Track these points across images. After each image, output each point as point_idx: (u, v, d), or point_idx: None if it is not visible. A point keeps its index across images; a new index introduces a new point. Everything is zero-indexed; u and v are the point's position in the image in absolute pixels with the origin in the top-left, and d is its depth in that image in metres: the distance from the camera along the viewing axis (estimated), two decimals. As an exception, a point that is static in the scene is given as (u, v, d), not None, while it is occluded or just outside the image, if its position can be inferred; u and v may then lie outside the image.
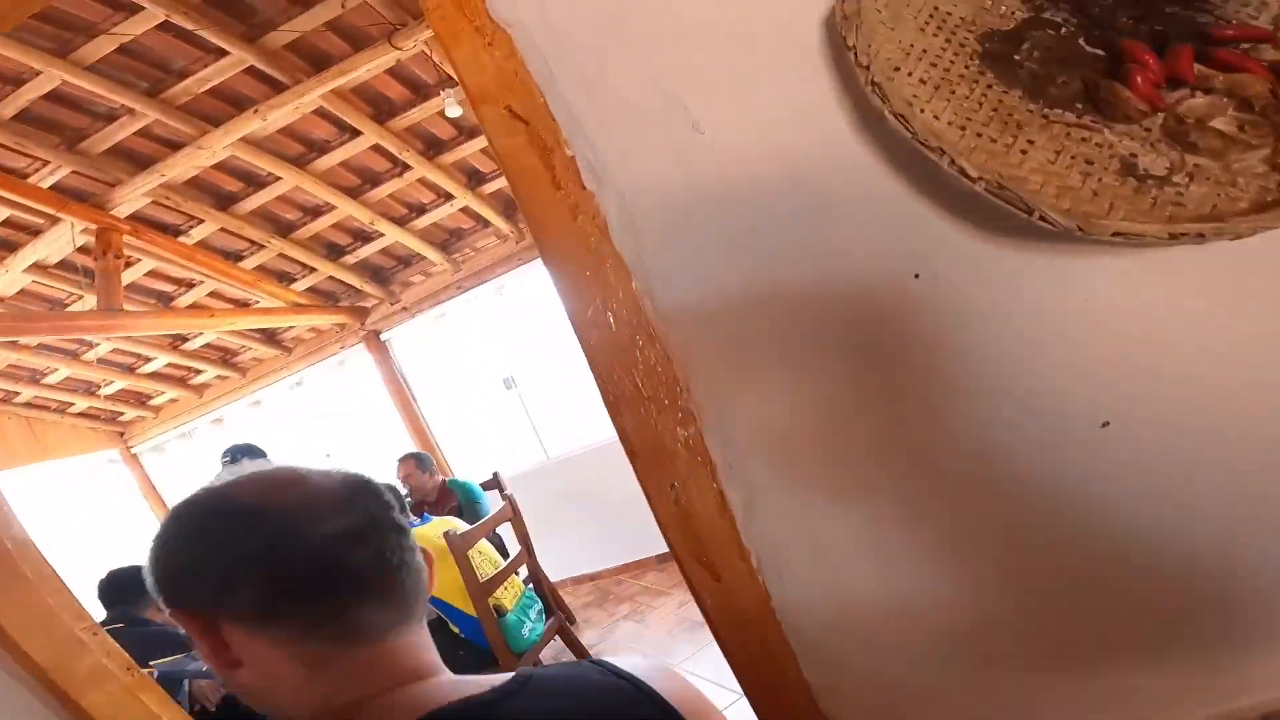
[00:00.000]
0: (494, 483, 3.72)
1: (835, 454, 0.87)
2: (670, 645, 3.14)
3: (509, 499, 2.89)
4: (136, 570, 2.22)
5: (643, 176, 0.88)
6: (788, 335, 0.86)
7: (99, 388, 5.27)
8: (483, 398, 4.99)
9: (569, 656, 3.12)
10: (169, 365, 5.13)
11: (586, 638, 3.47)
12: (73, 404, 5.35)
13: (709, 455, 0.90)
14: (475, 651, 2.47)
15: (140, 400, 5.61)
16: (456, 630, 2.49)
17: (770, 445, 0.89)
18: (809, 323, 0.85)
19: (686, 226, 0.87)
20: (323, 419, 5.51)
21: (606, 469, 4.29)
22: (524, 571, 2.89)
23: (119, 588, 2.28)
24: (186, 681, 2.15)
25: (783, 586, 0.91)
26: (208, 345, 5.06)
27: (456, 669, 2.33)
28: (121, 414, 5.70)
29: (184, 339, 4.92)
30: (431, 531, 2.48)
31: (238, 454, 3.43)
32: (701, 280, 0.88)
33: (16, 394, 5.04)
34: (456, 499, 3.46)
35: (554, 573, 3.74)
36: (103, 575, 2.34)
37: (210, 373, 5.29)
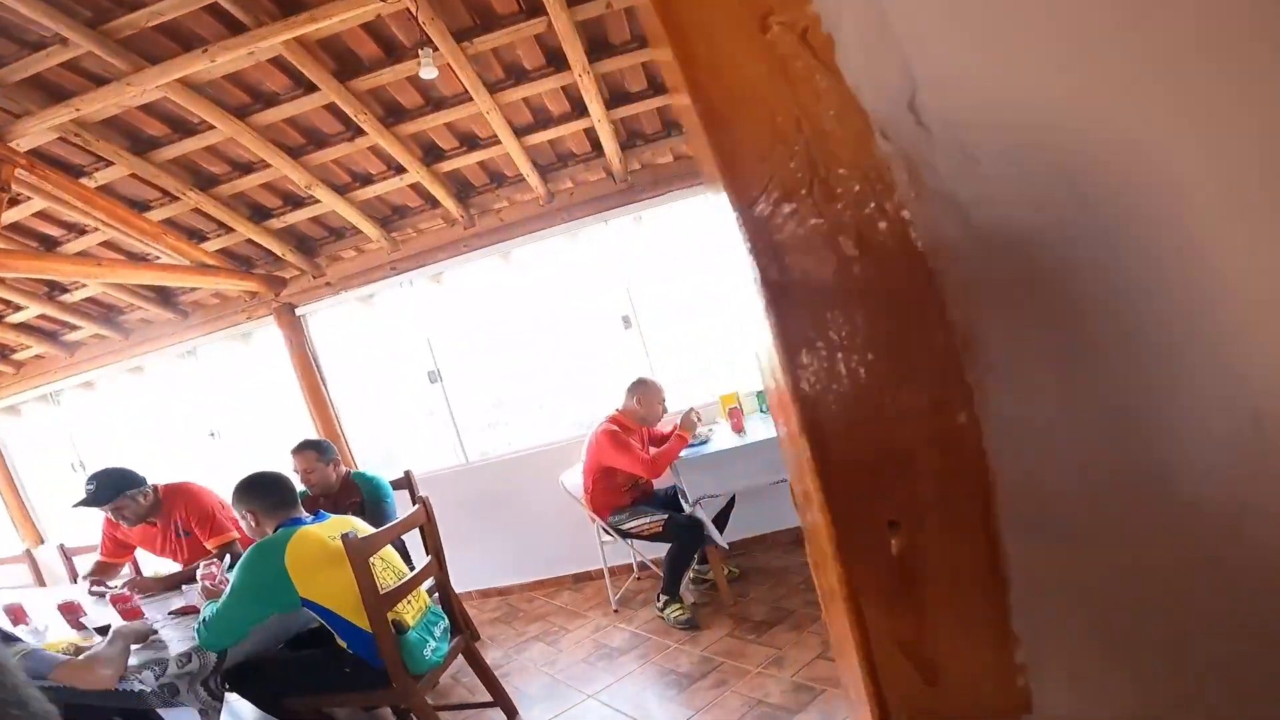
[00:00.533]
0: (405, 482, 3.44)
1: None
2: (586, 673, 2.92)
3: (423, 501, 2.60)
4: None
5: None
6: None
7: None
8: (402, 390, 4.67)
9: (471, 677, 2.87)
10: (40, 317, 4.52)
11: (492, 657, 3.22)
12: (-86, 348, 4.62)
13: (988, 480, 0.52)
14: (364, 669, 2.17)
15: (1, 353, 4.91)
16: (344, 645, 2.17)
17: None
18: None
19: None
20: (215, 394, 4.99)
21: (527, 479, 4.11)
22: (426, 582, 2.58)
23: None
24: None
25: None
26: (89, 300, 4.47)
27: (342, 688, 2.12)
28: (-25, 369, 4.97)
29: (63, 289, 4.34)
30: (326, 531, 2.20)
31: (102, 481, 2.97)
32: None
33: None
34: (360, 494, 3.13)
35: (460, 584, 3.44)
36: None
37: (87, 330, 4.68)
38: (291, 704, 2.26)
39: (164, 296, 4.55)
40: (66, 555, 3.84)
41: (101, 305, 4.59)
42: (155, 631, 2.19)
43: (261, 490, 2.26)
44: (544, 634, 3.47)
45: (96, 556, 3.34)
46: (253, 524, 2.23)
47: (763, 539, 3.87)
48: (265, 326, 4.55)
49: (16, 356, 4.95)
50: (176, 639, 2.16)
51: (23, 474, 5.51)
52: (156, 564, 3.39)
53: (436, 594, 2.65)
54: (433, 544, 2.61)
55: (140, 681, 1.89)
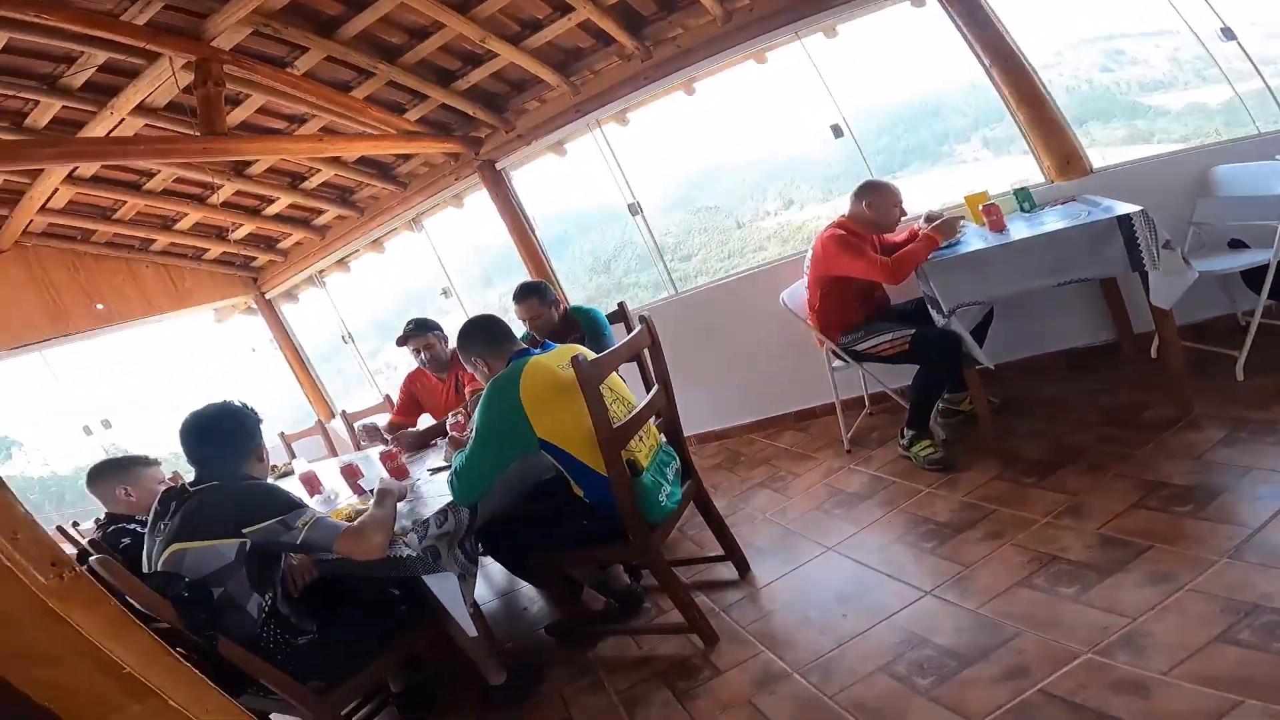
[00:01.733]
0: (619, 315, 3.28)
1: None
2: (821, 523, 2.63)
3: (646, 322, 2.30)
4: (235, 420, 1.86)
5: None
6: None
7: (229, 232, 5.21)
8: (603, 228, 4.59)
9: (696, 529, 2.79)
10: (290, 206, 4.97)
11: (719, 505, 2.97)
12: (206, 250, 5.35)
13: None
14: (600, 520, 2.06)
15: (269, 244, 5.55)
16: (580, 493, 2.07)
17: None
18: None
19: None
20: (442, 259, 5.26)
21: (742, 305, 3.79)
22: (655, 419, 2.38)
23: (215, 441, 1.89)
24: (284, 556, 1.97)
25: None
26: (325, 184, 4.82)
27: (578, 541, 2.13)
28: (253, 259, 5.70)
29: (302, 178, 4.69)
30: (555, 360, 2.05)
31: (418, 322, 3.31)
32: None
33: (152, 241, 5.06)
34: (579, 328, 3.05)
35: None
36: (187, 425, 1.88)
37: (330, 212, 5.11)
38: (533, 563, 2.29)
39: (384, 172, 4.77)
40: (348, 421, 4.40)
41: (336, 188, 4.94)
42: (414, 490, 2.28)
43: (479, 333, 2.20)
44: (770, 480, 3.23)
45: (382, 421, 3.71)
46: (485, 370, 2.16)
47: (1029, 363, 3.25)
48: (475, 191, 4.68)
49: (281, 245, 5.56)
50: (433, 496, 2.21)
51: (309, 352, 6.39)
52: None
53: (665, 435, 2.45)
54: (659, 369, 2.36)
55: (405, 545, 1.89)
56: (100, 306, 4.95)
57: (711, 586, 2.48)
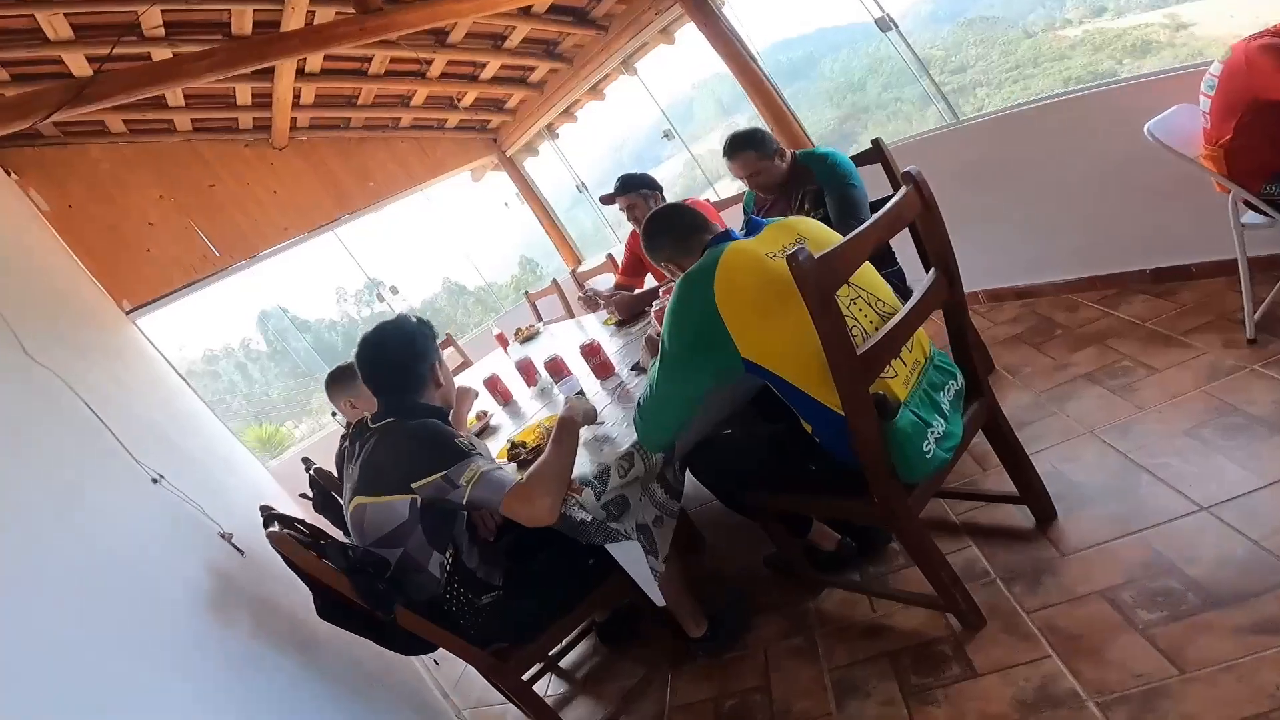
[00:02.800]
0: (875, 154, 2.37)
1: None
2: (1195, 458, 1.65)
3: (913, 180, 1.45)
4: (403, 342, 1.50)
5: None
6: None
7: (457, 100, 5.15)
8: (854, 46, 3.53)
9: (994, 463, 1.82)
10: (502, 67, 4.73)
11: (1009, 408, 2.08)
12: (445, 119, 5.39)
13: None
14: (836, 469, 1.47)
15: (496, 105, 5.43)
16: (809, 429, 1.48)
17: None
18: None
19: None
20: (660, 100, 4.65)
21: (1069, 142, 2.58)
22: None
23: (386, 368, 1.68)
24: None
25: None
26: (526, 40, 4.43)
27: (804, 488, 1.66)
28: (488, 121, 5.67)
29: (502, 38, 4.35)
30: (764, 244, 1.44)
31: (624, 180, 2.89)
32: None
33: (398, 119, 5.21)
34: (813, 180, 2.29)
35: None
36: (358, 351, 1.69)
37: (541, 67, 4.75)
38: (754, 500, 1.79)
39: (579, 17, 4.23)
40: (578, 280, 4.25)
41: (538, 42, 4.55)
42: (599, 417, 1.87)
43: (663, 229, 1.67)
44: (1105, 371, 2.15)
45: (608, 283, 3.47)
46: (676, 272, 1.64)
47: None
48: (685, 24, 3.91)
49: (508, 105, 5.39)
50: (622, 422, 1.78)
51: (553, 204, 6.41)
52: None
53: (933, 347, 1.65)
54: (935, 248, 1.52)
55: (580, 507, 1.52)
56: (371, 184, 5.35)
57: (989, 535, 1.78)
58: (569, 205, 6.57)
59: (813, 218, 2.24)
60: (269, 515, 1.78)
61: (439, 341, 1.79)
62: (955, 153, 2.93)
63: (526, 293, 4.83)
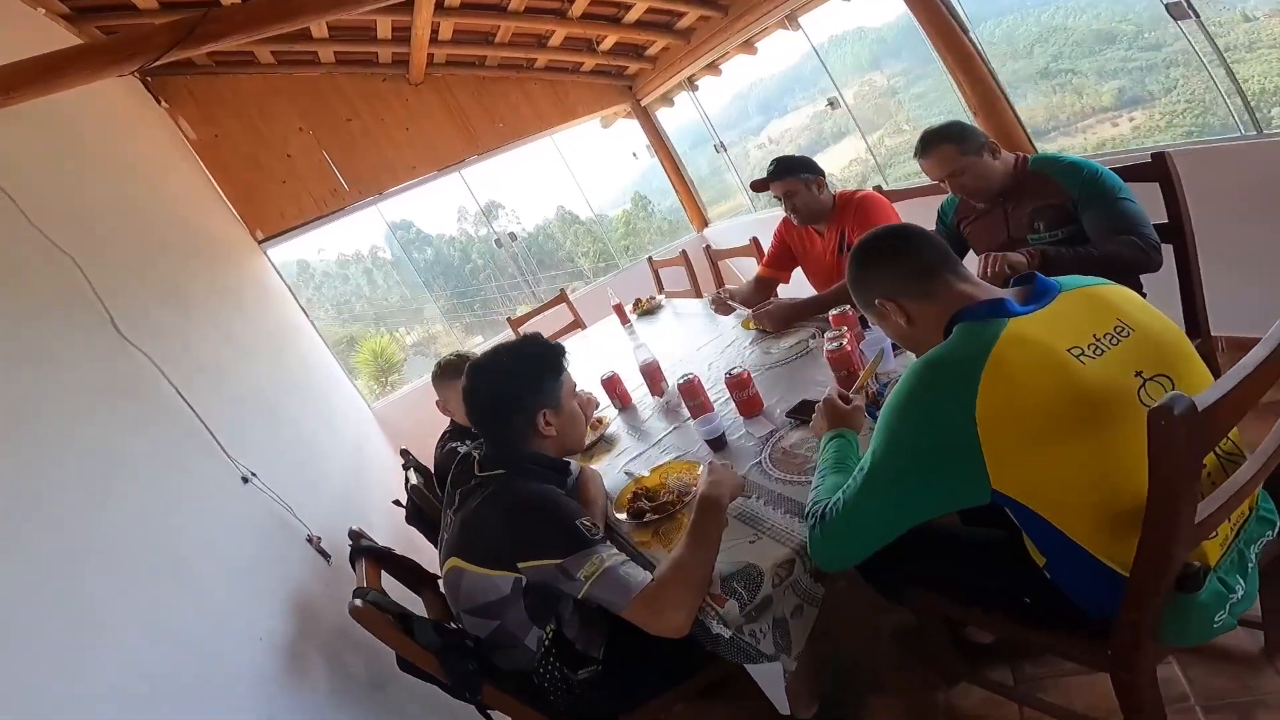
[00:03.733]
0: (1155, 168, 1.66)
1: None
2: None
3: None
4: (507, 381, 1.40)
5: None
6: None
7: (597, 44, 4.76)
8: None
9: None
10: (648, 11, 4.27)
11: None
12: (582, 63, 5.05)
13: None
14: (1060, 608, 1.07)
15: (636, 52, 5.00)
16: (1039, 560, 1.05)
17: None
18: None
19: None
20: (826, 61, 4.07)
21: None
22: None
23: (488, 413, 1.42)
24: None
25: None
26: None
27: (999, 610, 1.22)
28: (625, 68, 5.27)
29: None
30: (1058, 326, 0.99)
31: (782, 162, 2.49)
32: None
33: (533, 60, 4.91)
34: (1057, 194, 1.74)
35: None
36: (464, 384, 1.44)
37: (691, 14, 4.22)
38: (923, 600, 1.36)
39: None
40: (711, 258, 3.85)
41: None
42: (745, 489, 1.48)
43: (890, 253, 1.15)
44: None
45: (746, 272, 3.08)
46: (902, 326, 1.15)
47: None
48: None
49: (649, 53, 4.95)
50: (778, 506, 1.39)
51: (684, 160, 5.97)
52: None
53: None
54: None
55: (720, 620, 1.19)
56: (500, 125, 5.14)
57: (1196, 651, 1.36)
58: (703, 163, 6.11)
59: (1047, 241, 1.77)
60: (357, 546, 1.60)
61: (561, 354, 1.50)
62: (1239, 175, 2.23)
63: (650, 259, 4.49)
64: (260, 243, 4.32)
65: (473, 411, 1.43)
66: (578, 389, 1.53)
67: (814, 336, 2.19)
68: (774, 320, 2.43)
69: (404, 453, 2.30)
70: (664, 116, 5.79)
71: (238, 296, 3.22)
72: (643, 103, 5.63)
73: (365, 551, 1.60)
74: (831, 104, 4.29)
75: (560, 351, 1.48)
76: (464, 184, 5.37)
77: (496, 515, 1.31)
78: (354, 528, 1.68)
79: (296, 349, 3.77)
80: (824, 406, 1.41)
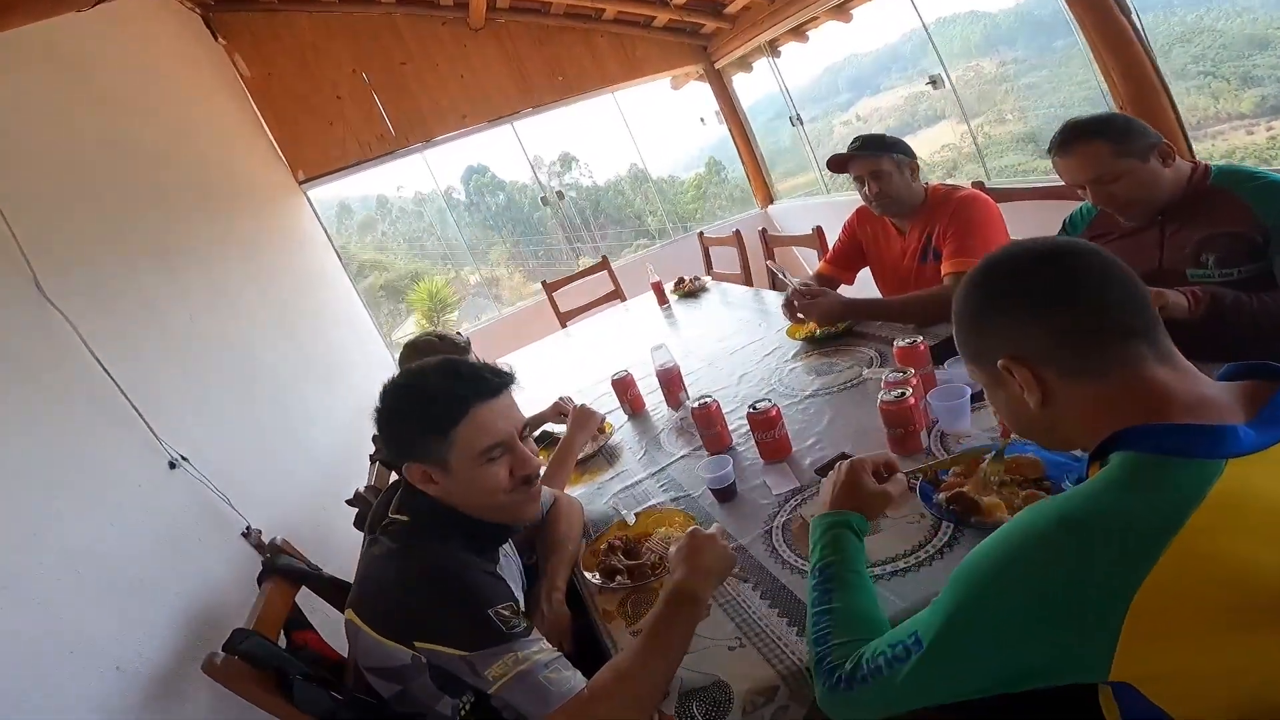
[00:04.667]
0: None
1: None
2: None
3: None
4: (411, 399, 1.06)
5: None
6: None
7: (671, -5, 4.30)
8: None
9: None
10: None
11: None
12: (654, 17, 4.60)
13: None
14: None
15: (715, 9, 4.50)
16: None
17: None
18: None
19: None
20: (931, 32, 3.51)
21: None
22: None
23: (391, 436, 1.10)
24: None
25: None
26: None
27: None
28: (701, 25, 4.78)
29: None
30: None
31: (867, 140, 2.06)
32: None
33: (602, 10, 4.50)
34: (1240, 217, 1.29)
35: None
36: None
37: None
38: None
39: None
40: (768, 245, 3.40)
41: None
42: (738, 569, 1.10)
43: (1040, 286, 0.69)
44: None
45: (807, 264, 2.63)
46: (1030, 401, 0.70)
47: None
48: None
49: (728, 10, 4.45)
50: (779, 600, 1.05)
51: (757, 130, 5.46)
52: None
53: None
54: None
55: None
56: (560, 78, 4.79)
57: None
58: (777, 138, 5.60)
59: (1217, 280, 1.29)
60: (270, 563, 1.32)
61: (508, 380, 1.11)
62: None
63: (700, 234, 4.08)
64: (301, 184, 4.15)
65: (385, 422, 1.10)
66: (529, 432, 1.16)
67: (872, 364, 1.77)
68: (822, 315, 2.02)
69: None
70: (739, 83, 5.31)
71: (254, 245, 3.01)
72: (717, 65, 5.16)
73: (282, 572, 1.32)
74: (934, 83, 3.73)
75: (462, 399, 1.04)
76: (535, 134, 5.07)
77: (391, 577, 1.01)
78: (278, 539, 1.40)
79: (313, 300, 3.58)
80: (844, 474, 1.00)
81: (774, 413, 1.40)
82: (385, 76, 4.30)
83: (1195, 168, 1.40)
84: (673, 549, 1.08)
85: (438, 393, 1.04)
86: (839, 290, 2.44)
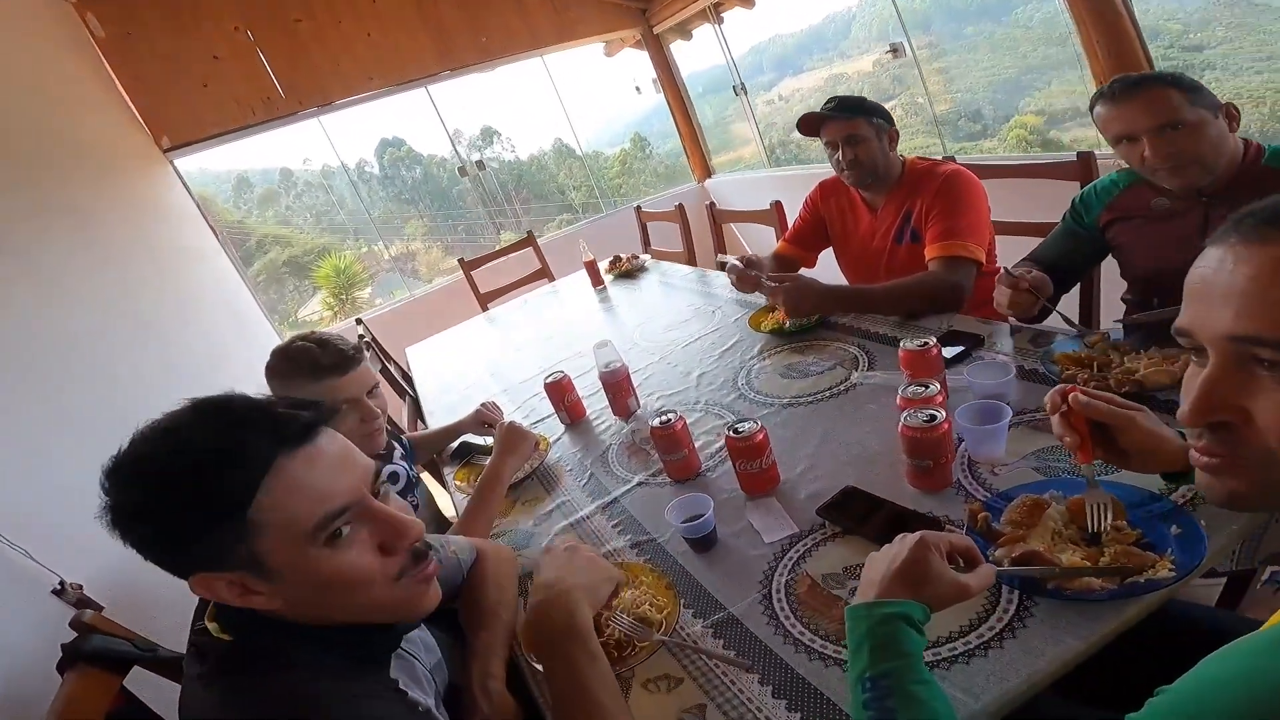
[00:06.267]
0: None
1: None
2: None
3: None
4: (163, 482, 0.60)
5: None
6: None
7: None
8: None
9: None
10: None
11: None
12: (595, -26, 4.20)
13: None
14: None
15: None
16: None
17: None
18: None
19: None
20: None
21: None
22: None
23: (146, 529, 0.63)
24: None
25: None
26: None
27: None
28: (645, -14, 4.40)
29: None
30: None
31: (844, 101, 1.84)
32: None
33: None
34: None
35: None
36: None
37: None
38: None
39: None
40: (715, 220, 3.09)
41: None
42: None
43: None
44: None
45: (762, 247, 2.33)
46: None
47: None
48: None
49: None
50: (787, 689, 0.79)
51: (695, 100, 5.15)
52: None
53: None
54: None
55: None
56: (484, 39, 4.33)
57: None
58: (717, 107, 5.33)
59: None
60: (72, 648, 0.94)
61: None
62: None
63: (638, 207, 3.75)
64: (166, 151, 3.55)
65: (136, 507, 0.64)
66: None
67: (859, 365, 1.50)
68: (793, 304, 1.73)
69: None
70: (678, 51, 4.98)
71: (94, 221, 2.47)
72: (656, 30, 4.82)
73: (93, 657, 0.93)
74: (894, 51, 3.54)
75: (254, 453, 0.62)
76: (454, 105, 4.60)
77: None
78: (85, 616, 1.00)
79: (185, 281, 3.05)
80: (910, 551, 0.70)
81: (760, 437, 1.10)
82: (276, 36, 3.75)
83: (1249, 146, 1.21)
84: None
85: (208, 451, 0.62)
86: (799, 269, 2.20)
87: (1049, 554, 0.79)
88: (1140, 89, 1.19)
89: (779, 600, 0.92)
